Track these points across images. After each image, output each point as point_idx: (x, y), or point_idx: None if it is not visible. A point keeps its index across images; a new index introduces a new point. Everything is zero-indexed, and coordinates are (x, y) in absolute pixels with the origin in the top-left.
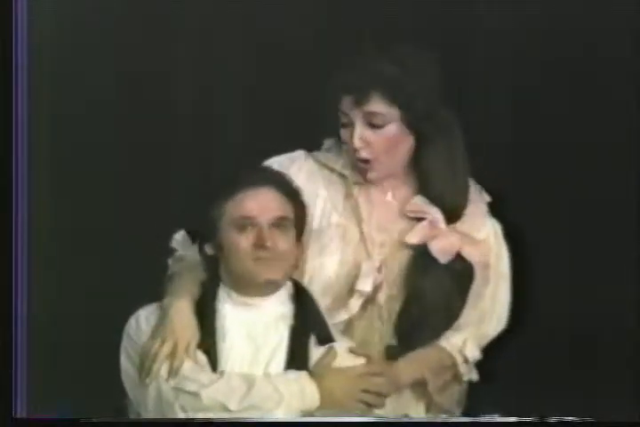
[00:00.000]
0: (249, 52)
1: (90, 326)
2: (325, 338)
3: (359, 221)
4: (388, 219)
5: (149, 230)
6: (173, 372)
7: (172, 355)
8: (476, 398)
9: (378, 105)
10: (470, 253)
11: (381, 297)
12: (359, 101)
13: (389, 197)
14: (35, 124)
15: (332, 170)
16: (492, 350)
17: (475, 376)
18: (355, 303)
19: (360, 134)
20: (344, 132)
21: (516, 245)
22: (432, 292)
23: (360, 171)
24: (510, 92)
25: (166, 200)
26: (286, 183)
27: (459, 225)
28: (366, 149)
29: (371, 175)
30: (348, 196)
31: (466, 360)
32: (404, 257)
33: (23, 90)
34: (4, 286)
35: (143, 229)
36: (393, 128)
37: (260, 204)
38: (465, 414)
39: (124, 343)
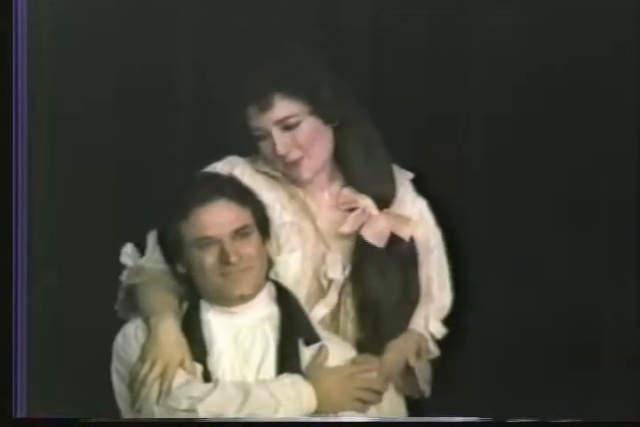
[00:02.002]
0: (248, 50)
1: (90, 326)
2: (312, 338)
3: (312, 219)
4: (336, 216)
5: (149, 230)
6: (163, 393)
7: (162, 378)
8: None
9: (284, 107)
10: (404, 232)
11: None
12: (264, 108)
13: (326, 197)
14: (35, 125)
15: (265, 174)
16: (492, 349)
17: (437, 352)
18: (332, 295)
19: (281, 142)
20: (264, 145)
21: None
22: (382, 279)
23: (293, 174)
24: (510, 91)
25: (167, 199)
26: (235, 189)
27: (393, 208)
28: (293, 150)
29: (305, 174)
30: (293, 196)
31: (433, 337)
32: (352, 249)
33: (23, 90)
34: (4, 285)
35: (143, 229)
36: (308, 123)
37: (215, 220)
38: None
39: (115, 363)
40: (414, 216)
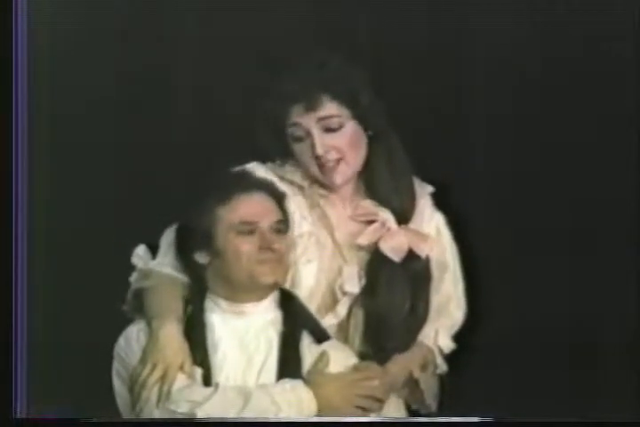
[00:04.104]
0: (248, 53)
1: (90, 327)
2: (321, 335)
3: (330, 230)
4: (355, 228)
5: (149, 230)
6: (163, 396)
7: (163, 380)
8: (479, 397)
9: (330, 107)
10: (422, 249)
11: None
12: (311, 107)
13: (347, 208)
14: (35, 124)
15: (290, 182)
16: (494, 350)
17: (445, 368)
18: (342, 307)
19: (320, 141)
20: (300, 147)
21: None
22: (394, 293)
23: (327, 179)
24: (510, 90)
25: (167, 199)
26: (275, 188)
27: (411, 224)
28: (331, 152)
29: (339, 179)
30: (314, 206)
31: (441, 351)
32: (367, 262)
33: (23, 90)
34: (5, 286)
35: (143, 229)
36: (349, 128)
37: (257, 208)
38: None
39: (116, 365)
40: (431, 231)
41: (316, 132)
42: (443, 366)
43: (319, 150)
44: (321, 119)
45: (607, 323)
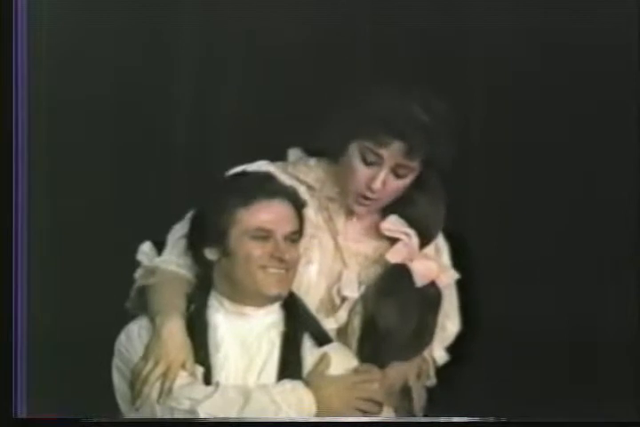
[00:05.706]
0: (250, 54)
1: (90, 326)
2: (323, 338)
3: (334, 234)
4: (362, 232)
5: (150, 230)
6: (165, 393)
7: (165, 377)
8: (478, 398)
9: (416, 160)
10: (441, 280)
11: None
12: (406, 152)
13: (354, 215)
14: (35, 124)
15: (301, 182)
16: (493, 351)
17: (434, 380)
18: (343, 312)
19: (382, 178)
20: (359, 164)
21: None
22: (398, 311)
23: (352, 202)
24: (509, 90)
25: (166, 199)
26: (296, 196)
27: (427, 249)
28: (381, 191)
29: (361, 209)
30: (321, 208)
31: (434, 362)
32: (374, 273)
33: (23, 90)
34: (5, 286)
35: (143, 229)
36: (409, 179)
37: (276, 216)
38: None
39: (116, 361)
40: (430, 248)
41: (385, 171)
42: (433, 379)
43: (377, 185)
44: (399, 165)
45: (607, 323)
